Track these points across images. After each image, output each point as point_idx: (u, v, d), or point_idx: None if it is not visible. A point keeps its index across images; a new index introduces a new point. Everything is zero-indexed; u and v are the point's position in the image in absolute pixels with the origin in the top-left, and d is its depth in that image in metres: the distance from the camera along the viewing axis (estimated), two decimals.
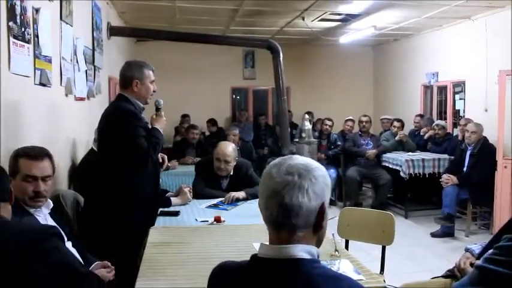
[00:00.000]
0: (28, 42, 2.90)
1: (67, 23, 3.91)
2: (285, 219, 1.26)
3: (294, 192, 1.25)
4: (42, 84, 3.20)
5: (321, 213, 1.28)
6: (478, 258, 2.49)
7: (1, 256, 1.61)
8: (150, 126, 3.21)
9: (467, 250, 2.68)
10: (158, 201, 3.47)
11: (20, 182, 2.18)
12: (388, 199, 7.26)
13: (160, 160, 3.41)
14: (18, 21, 2.73)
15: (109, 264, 2.40)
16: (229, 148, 3.93)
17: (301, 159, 1.32)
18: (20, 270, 1.60)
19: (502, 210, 5.49)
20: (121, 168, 3.09)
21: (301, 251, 1.26)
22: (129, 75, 3.17)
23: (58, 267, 1.69)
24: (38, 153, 2.26)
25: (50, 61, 3.35)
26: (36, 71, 3.08)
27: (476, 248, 2.63)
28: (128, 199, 3.09)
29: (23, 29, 2.80)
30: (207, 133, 9.06)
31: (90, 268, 2.29)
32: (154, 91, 3.27)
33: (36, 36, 3.07)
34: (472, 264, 2.47)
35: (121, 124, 3.05)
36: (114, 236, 3.02)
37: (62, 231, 1.86)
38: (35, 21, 3.05)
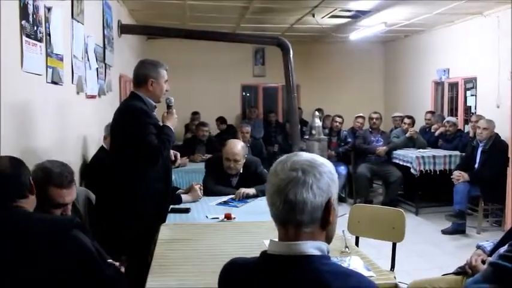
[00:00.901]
0: (40, 40, 2.93)
1: (78, 22, 3.93)
2: (290, 216, 1.26)
3: (298, 189, 1.25)
4: (54, 82, 3.23)
5: (327, 208, 1.28)
6: (489, 255, 2.48)
7: (26, 246, 1.67)
8: (161, 124, 3.24)
9: (478, 247, 2.68)
10: (169, 198, 3.49)
11: (49, 208, 2.15)
12: (398, 196, 7.22)
13: (173, 158, 3.44)
14: (30, 20, 2.75)
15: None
16: (238, 147, 3.93)
17: (306, 156, 1.33)
18: (44, 259, 1.68)
19: None
20: (131, 166, 3.12)
21: (311, 247, 1.26)
22: (145, 74, 3.21)
23: (79, 256, 1.76)
24: (67, 179, 2.20)
25: (61, 59, 3.38)
26: (48, 69, 3.11)
27: (488, 245, 2.62)
28: (138, 196, 3.12)
29: (35, 28, 2.83)
30: (214, 133, 8.94)
31: None
32: (166, 90, 3.31)
33: (48, 34, 3.10)
34: (483, 262, 2.47)
35: (132, 122, 3.09)
36: (126, 233, 3.05)
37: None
38: (47, 20, 3.07)
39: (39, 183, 2.07)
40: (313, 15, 7.31)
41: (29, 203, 1.88)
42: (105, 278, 1.89)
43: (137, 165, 3.11)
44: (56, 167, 2.20)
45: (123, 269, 2.38)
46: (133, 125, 3.07)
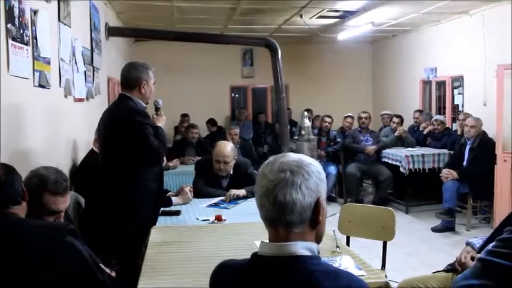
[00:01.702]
0: (27, 44, 2.91)
1: (65, 24, 3.91)
2: (279, 216, 1.27)
3: (287, 189, 1.25)
4: (41, 85, 3.20)
5: (316, 208, 1.29)
6: (478, 252, 2.50)
7: (21, 252, 1.69)
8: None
9: (468, 244, 2.70)
10: (160, 200, 3.49)
11: (42, 215, 2.11)
12: (388, 195, 7.27)
13: None
14: (16, 23, 2.73)
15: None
16: (227, 148, 3.92)
17: (293, 156, 1.33)
18: (39, 265, 1.69)
19: (502, 203, 5.50)
20: (128, 167, 3.13)
21: (301, 247, 1.26)
22: (137, 76, 3.21)
23: (74, 263, 1.77)
24: (62, 186, 2.17)
25: (48, 63, 3.35)
26: (35, 72, 3.09)
27: (477, 242, 2.64)
28: (135, 197, 3.13)
29: (21, 31, 2.81)
30: (204, 135, 8.90)
31: None
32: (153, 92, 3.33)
33: (35, 38, 3.08)
34: (473, 258, 2.48)
35: (132, 123, 3.09)
36: (118, 236, 3.03)
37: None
38: (33, 23, 3.05)
39: (34, 190, 2.05)
40: (301, 16, 7.32)
41: (22, 210, 1.88)
42: (99, 284, 1.89)
43: (136, 167, 3.13)
44: (51, 174, 2.18)
45: (113, 274, 2.37)
46: (134, 126, 3.08)
